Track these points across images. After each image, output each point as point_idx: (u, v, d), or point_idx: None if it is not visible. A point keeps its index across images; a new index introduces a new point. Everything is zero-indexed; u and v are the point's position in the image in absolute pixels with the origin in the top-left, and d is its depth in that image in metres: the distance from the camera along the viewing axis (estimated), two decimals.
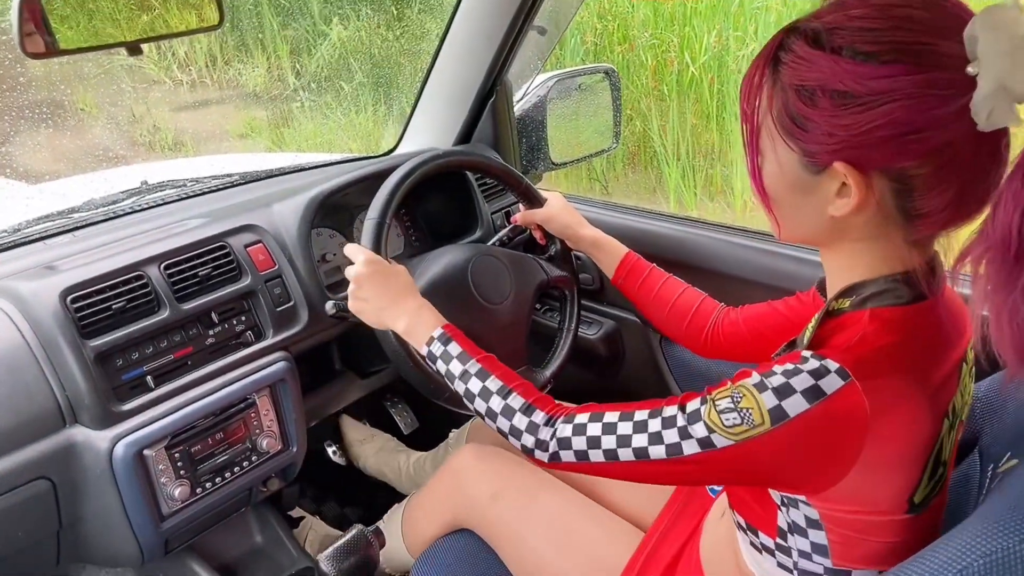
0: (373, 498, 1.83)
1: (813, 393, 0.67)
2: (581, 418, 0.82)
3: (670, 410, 0.75)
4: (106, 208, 1.37)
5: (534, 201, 1.29)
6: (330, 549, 1.00)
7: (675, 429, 0.74)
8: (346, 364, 1.41)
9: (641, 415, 0.77)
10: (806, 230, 0.77)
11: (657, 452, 0.75)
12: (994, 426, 0.89)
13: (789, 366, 0.70)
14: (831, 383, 0.67)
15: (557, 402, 0.88)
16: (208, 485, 1.12)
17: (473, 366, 0.93)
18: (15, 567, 1.11)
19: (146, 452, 1.04)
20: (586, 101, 1.69)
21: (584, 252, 1.27)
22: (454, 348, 0.96)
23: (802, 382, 0.68)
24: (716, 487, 1.13)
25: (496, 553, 1.17)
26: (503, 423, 0.88)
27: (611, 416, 0.80)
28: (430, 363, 0.98)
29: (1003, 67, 0.59)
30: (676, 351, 1.49)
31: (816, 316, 0.76)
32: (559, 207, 1.28)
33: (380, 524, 1.43)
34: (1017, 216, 0.58)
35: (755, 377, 0.71)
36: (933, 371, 0.73)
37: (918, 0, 0.66)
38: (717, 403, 0.71)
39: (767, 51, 0.72)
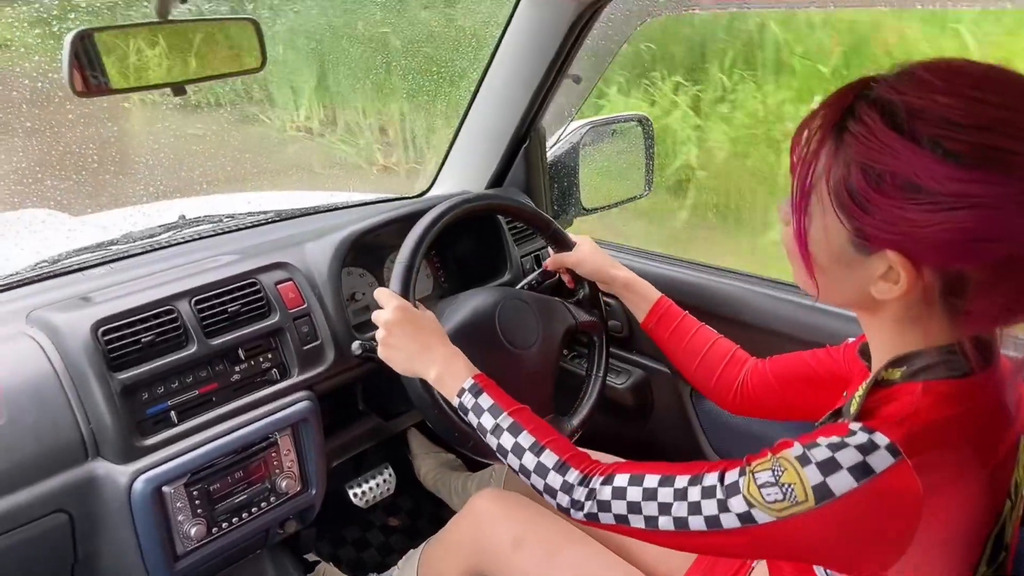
0: (390, 543, 1.80)
1: (861, 470, 0.63)
2: (620, 480, 0.79)
3: (710, 479, 0.72)
4: (143, 241, 1.39)
5: (564, 245, 1.28)
6: None
7: (714, 500, 0.70)
8: (369, 406, 1.40)
9: (681, 482, 0.74)
10: (844, 299, 0.73)
11: (697, 523, 0.71)
12: None
13: (835, 439, 0.65)
14: (880, 460, 0.63)
15: (593, 459, 0.86)
16: (225, 525, 1.10)
17: (505, 420, 0.91)
18: None
19: (165, 489, 1.03)
20: (619, 148, 1.69)
21: (616, 294, 1.24)
22: (485, 400, 0.93)
23: (849, 457, 0.64)
24: None
25: None
26: (537, 481, 0.86)
27: (651, 480, 0.76)
28: (461, 414, 0.97)
29: None
30: (707, 404, 1.45)
31: (864, 385, 0.72)
32: (589, 251, 1.26)
33: (396, 570, 1.40)
34: None
35: (798, 448, 0.67)
36: (993, 447, 0.69)
37: (1007, 100, 0.60)
38: (757, 476, 0.68)
39: (832, 114, 0.66)
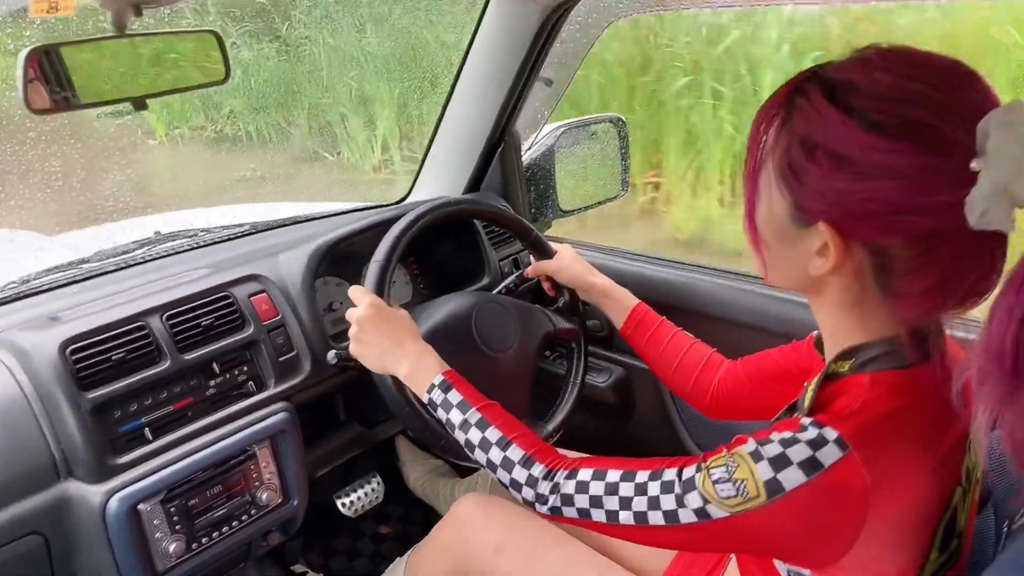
0: (381, 552, 1.79)
1: (810, 465, 0.64)
2: (584, 474, 0.80)
3: (669, 474, 0.73)
4: (116, 258, 1.38)
5: (544, 252, 1.28)
6: None
7: (672, 496, 0.71)
8: (350, 414, 1.39)
9: (642, 476, 0.75)
10: (788, 278, 0.75)
11: (655, 518, 0.72)
12: (1008, 480, 0.84)
13: (787, 434, 0.67)
14: (829, 455, 0.64)
15: (560, 452, 0.86)
16: (205, 540, 1.09)
17: (473, 415, 0.91)
18: None
19: (140, 507, 1.02)
20: (594, 149, 1.69)
21: (594, 301, 1.25)
22: (454, 396, 0.94)
23: (799, 453, 0.65)
24: None
25: None
26: (503, 475, 0.87)
27: (613, 475, 0.77)
28: (431, 411, 0.97)
29: (1008, 169, 0.56)
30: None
31: (816, 379, 0.73)
32: (569, 258, 1.27)
33: None
34: (1012, 329, 0.55)
35: (751, 445, 0.68)
36: (940, 437, 0.70)
37: (943, 79, 0.63)
38: (712, 472, 0.69)
39: (785, 91, 0.70)
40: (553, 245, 1.30)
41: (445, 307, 1.18)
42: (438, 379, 0.96)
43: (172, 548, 1.05)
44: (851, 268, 0.68)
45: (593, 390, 1.56)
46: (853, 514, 0.64)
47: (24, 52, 0.92)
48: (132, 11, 0.91)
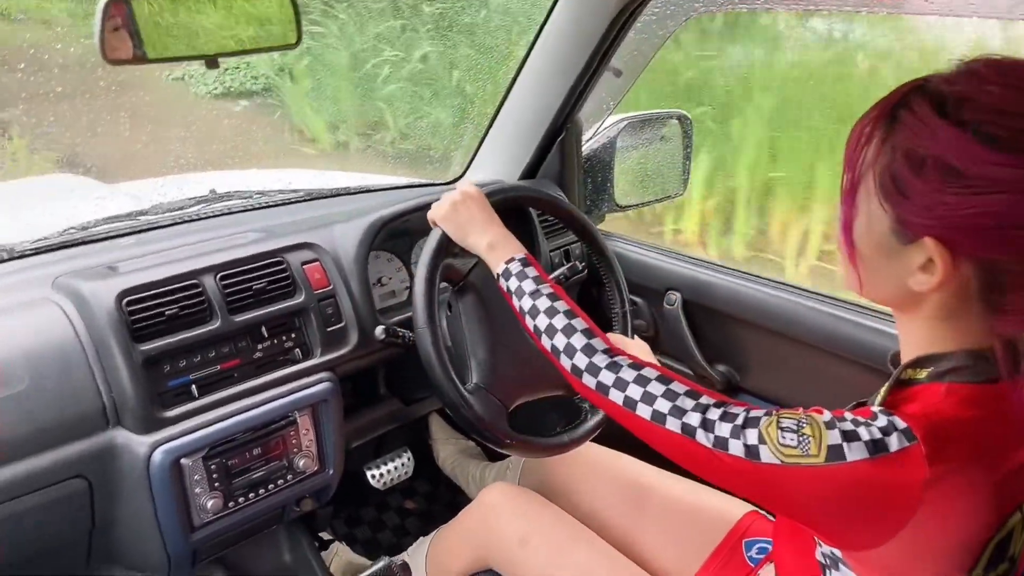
0: (405, 526, 1.81)
1: (876, 446, 0.63)
2: (648, 372, 0.78)
3: (735, 408, 0.72)
4: (173, 213, 1.39)
5: (598, 248, 1.27)
6: None
7: (730, 425, 0.70)
8: (391, 389, 1.40)
9: (707, 399, 0.73)
10: (885, 293, 0.74)
11: (703, 438, 0.71)
12: None
13: (860, 417, 0.66)
14: (895, 441, 0.63)
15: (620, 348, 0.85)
16: (241, 500, 1.11)
17: (545, 288, 0.92)
18: (45, 563, 1.11)
19: (183, 461, 1.03)
20: (656, 145, 1.66)
21: None
22: (531, 270, 0.95)
23: (868, 434, 0.64)
24: (755, 554, 1.07)
25: None
26: (560, 340, 0.86)
27: (678, 386, 0.76)
28: (504, 280, 0.97)
29: None
30: None
31: (888, 383, 0.72)
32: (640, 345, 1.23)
33: (406, 556, 1.40)
34: None
35: (827, 415, 0.67)
36: (1006, 457, 0.68)
37: None
38: (781, 420, 0.68)
39: (886, 103, 0.68)
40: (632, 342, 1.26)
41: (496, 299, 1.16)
42: (519, 255, 0.97)
43: (210, 504, 1.06)
44: (956, 284, 0.66)
45: None
46: (903, 504, 0.63)
47: (102, 2, 0.93)
48: None
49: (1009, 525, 0.68)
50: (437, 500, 1.88)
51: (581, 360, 0.83)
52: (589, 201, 1.65)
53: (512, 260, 0.96)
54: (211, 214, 1.42)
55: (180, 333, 1.07)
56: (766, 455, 0.67)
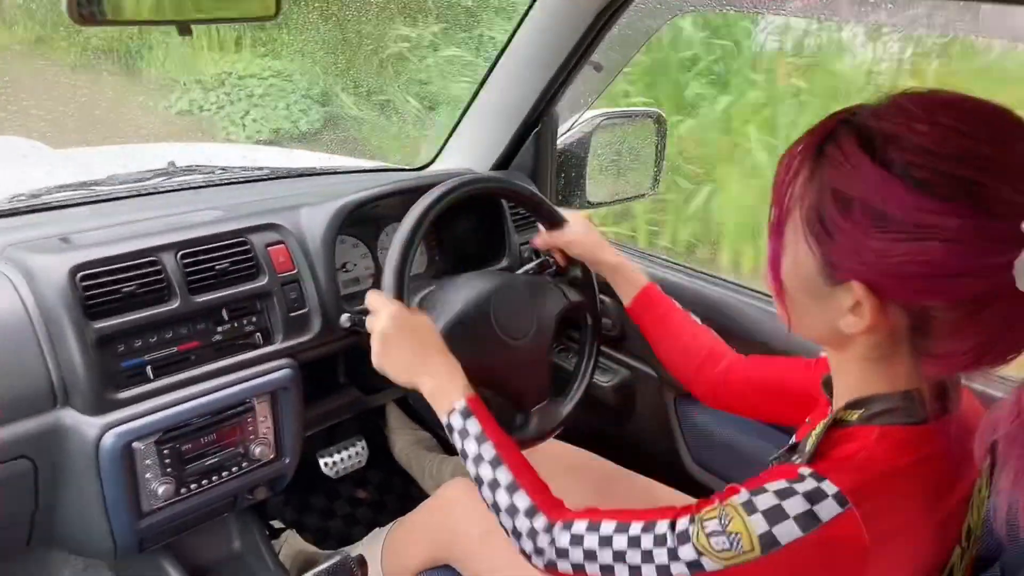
0: (356, 515, 1.78)
1: (807, 519, 0.62)
2: (578, 527, 0.78)
3: (662, 526, 0.71)
4: (130, 185, 1.34)
5: (555, 223, 1.24)
6: (311, 573, 0.94)
7: (665, 549, 0.69)
8: (350, 378, 1.37)
9: (636, 529, 0.73)
10: (814, 333, 0.72)
11: (648, 571, 0.70)
12: (1020, 540, 0.83)
13: (782, 484, 0.64)
14: (827, 509, 0.62)
15: (564, 506, 0.84)
16: (194, 486, 1.07)
17: (488, 450, 0.88)
18: None
19: (135, 445, 0.99)
20: (630, 143, 1.66)
21: (604, 276, 1.22)
22: (473, 426, 0.91)
23: (795, 505, 0.63)
24: None
25: None
26: (506, 520, 0.85)
27: (607, 527, 0.76)
28: (448, 433, 0.94)
29: None
30: (689, 412, 1.43)
31: (821, 424, 0.71)
32: (581, 230, 1.23)
33: (360, 547, 1.38)
34: None
35: (744, 495, 0.66)
36: (944, 496, 0.68)
37: (986, 133, 0.59)
38: (705, 524, 0.67)
39: (813, 136, 0.65)
40: (565, 214, 1.25)
41: (461, 294, 1.14)
42: (459, 404, 0.92)
43: (161, 490, 1.03)
44: (886, 328, 0.64)
45: (595, 388, 1.54)
46: (850, 571, 0.63)
47: None
48: None
49: (951, 562, 0.69)
50: (389, 491, 1.86)
51: (527, 544, 0.83)
52: (560, 196, 1.64)
53: (453, 412, 0.92)
54: (171, 188, 1.37)
55: (136, 312, 1.02)
56: (709, 564, 0.66)
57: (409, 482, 1.78)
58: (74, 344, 0.96)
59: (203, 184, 1.41)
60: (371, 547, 1.33)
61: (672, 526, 0.70)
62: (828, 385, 0.79)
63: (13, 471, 0.95)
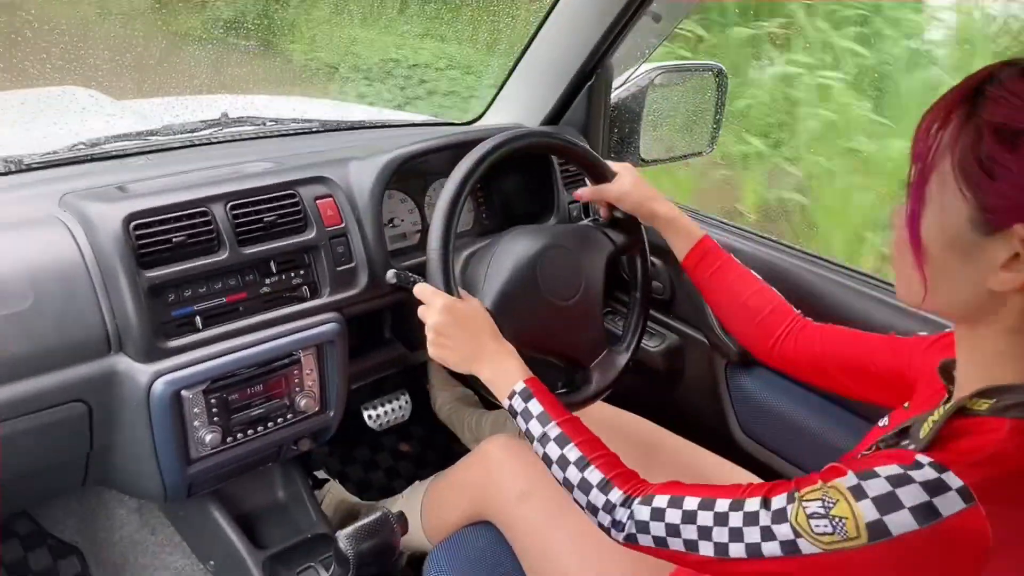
0: (398, 468, 1.81)
1: (925, 512, 0.58)
2: (660, 501, 0.76)
3: (752, 503, 0.68)
4: (183, 135, 1.35)
5: (602, 176, 1.19)
6: (351, 528, 0.95)
7: (757, 528, 0.67)
8: (395, 333, 1.37)
9: (722, 505, 0.70)
10: (955, 299, 0.66)
11: (737, 550, 0.68)
12: None
13: (896, 469, 0.60)
14: (950, 503, 0.57)
15: (640, 478, 0.83)
16: (239, 436, 1.09)
17: (553, 429, 0.88)
18: (41, 482, 1.10)
19: (184, 393, 1.01)
20: (688, 99, 1.59)
21: (658, 229, 1.18)
22: (535, 406, 0.90)
23: (912, 495, 0.58)
24: None
25: (516, 554, 1.12)
26: (580, 496, 0.84)
27: (691, 502, 0.73)
28: (510, 416, 0.94)
29: None
30: (741, 381, 1.39)
31: (942, 410, 0.65)
32: (630, 183, 1.18)
33: (400, 499, 1.40)
34: None
35: (851, 479, 0.62)
36: None
37: None
38: (806, 505, 0.64)
39: (966, 85, 0.61)
40: (613, 166, 1.20)
41: (506, 260, 1.11)
42: (519, 387, 0.92)
43: (208, 438, 1.05)
44: None
45: (644, 353, 1.51)
46: (965, 572, 0.59)
47: None
48: None
49: None
50: (432, 445, 1.88)
51: (604, 519, 0.81)
52: (613, 153, 1.60)
53: (514, 395, 0.92)
54: (223, 139, 1.37)
55: (187, 262, 1.03)
56: (806, 547, 0.63)
57: (451, 438, 1.80)
58: (127, 292, 0.98)
59: (254, 135, 1.41)
60: (411, 500, 1.34)
61: (766, 503, 0.67)
62: (946, 371, 0.74)
63: (70, 413, 0.98)
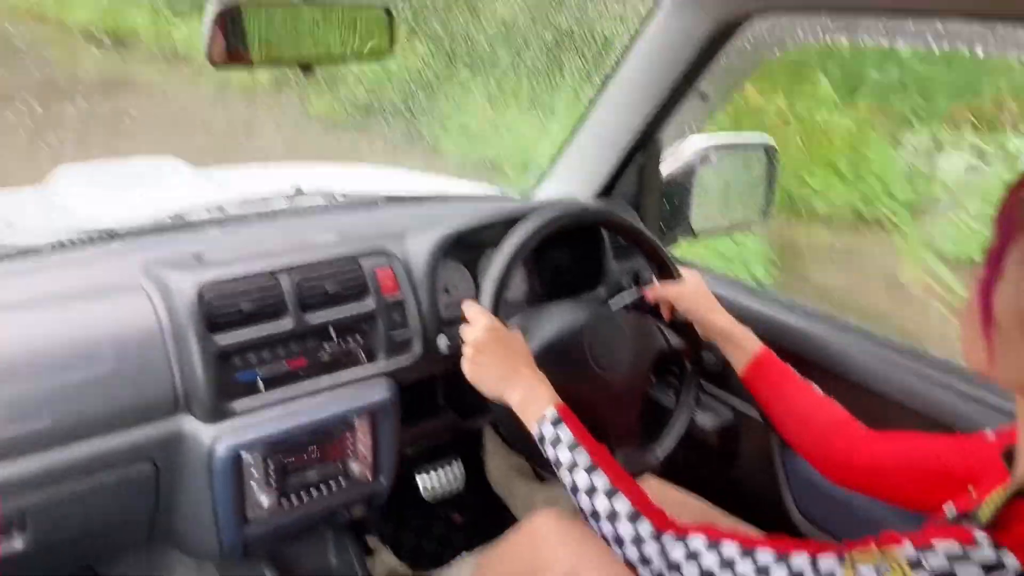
0: (450, 537, 1.80)
1: None
2: (695, 543, 0.75)
3: (799, 561, 0.67)
4: (256, 206, 1.43)
5: (669, 275, 1.23)
6: None
7: None
8: (448, 401, 1.40)
9: (765, 557, 0.69)
10: (1018, 375, 0.64)
11: None
12: None
13: (955, 547, 0.59)
14: None
15: (669, 516, 0.82)
16: (294, 499, 1.12)
17: (582, 457, 0.88)
18: (108, 539, 1.15)
19: (244, 455, 1.06)
20: (738, 172, 1.61)
21: (711, 340, 1.19)
22: (564, 433, 0.91)
23: (970, 574, 0.57)
24: None
25: None
26: (606, 527, 0.83)
27: (730, 548, 0.72)
28: (539, 443, 0.95)
29: None
30: (798, 463, 1.36)
31: (1003, 491, 0.64)
32: (693, 289, 1.21)
33: (449, 573, 1.40)
34: None
35: (909, 550, 0.61)
36: None
37: None
38: (859, 568, 0.62)
39: None
40: (682, 269, 1.24)
41: (556, 320, 1.15)
42: (549, 412, 0.93)
43: (265, 500, 1.08)
44: None
45: (696, 428, 1.49)
46: None
47: (211, 5, 0.95)
48: None
49: None
50: (485, 514, 1.87)
51: (631, 552, 0.80)
52: (664, 224, 1.62)
53: (543, 421, 0.93)
54: (293, 210, 1.45)
55: (253, 327, 1.09)
56: None
57: (505, 508, 1.79)
58: (197, 356, 1.04)
59: (322, 207, 1.49)
60: (460, 573, 1.34)
61: (814, 563, 0.66)
62: (1009, 456, 0.72)
63: (138, 472, 1.03)
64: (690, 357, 1.25)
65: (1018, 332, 0.62)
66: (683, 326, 1.26)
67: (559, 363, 1.07)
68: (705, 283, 1.25)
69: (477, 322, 1.02)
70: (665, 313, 1.27)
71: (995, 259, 0.63)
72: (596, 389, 1.12)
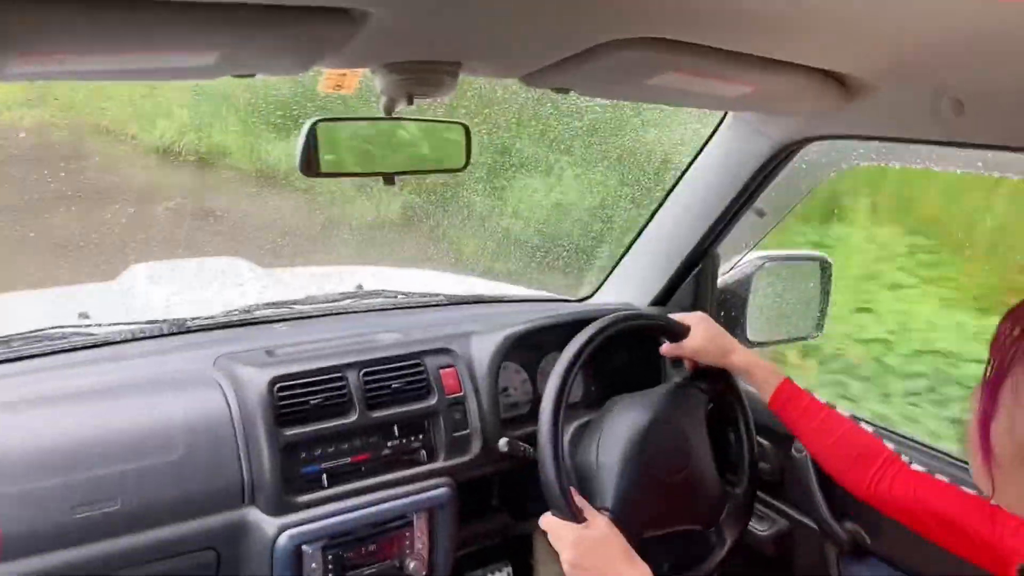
0: None
1: None
2: None
3: None
4: (323, 305, 1.50)
5: (676, 334, 1.25)
6: None
7: None
8: (503, 502, 1.40)
9: None
10: (1021, 504, 0.66)
11: None
12: None
13: None
14: None
15: None
16: None
17: None
18: None
19: (305, 547, 1.07)
20: (794, 285, 1.64)
21: (738, 377, 1.24)
22: None
23: None
24: None
25: None
26: None
27: None
28: None
29: None
30: (854, 572, 1.31)
31: None
32: (703, 336, 1.23)
33: None
34: None
35: None
36: None
37: None
38: None
39: None
40: (685, 317, 1.26)
41: (617, 443, 1.16)
42: None
43: None
44: None
45: (752, 537, 1.46)
46: None
47: (308, 122, 1.05)
48: (406, 99, 1.01)
49: None
50: None
51: None
52: None
53: None
54: (358, 309, 1.51)
55: (320, 422, 1.13)
56: None
57: None
58: (266, 449, 1.07)
59: (386, 307, 1.55)
60: None
61: None
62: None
63: (201, 560, 1.05)
64: (734, 395, 1.29)
65: (1016, 465, 0.63)
66: (714, 371, 1.28)
67: (637, 503, 1.11)
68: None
69: (564, 538, 1.02)
70: (688, 365, 1.30)
71: (991, 391, 0.65)
72: (677, 496, 1.17)
